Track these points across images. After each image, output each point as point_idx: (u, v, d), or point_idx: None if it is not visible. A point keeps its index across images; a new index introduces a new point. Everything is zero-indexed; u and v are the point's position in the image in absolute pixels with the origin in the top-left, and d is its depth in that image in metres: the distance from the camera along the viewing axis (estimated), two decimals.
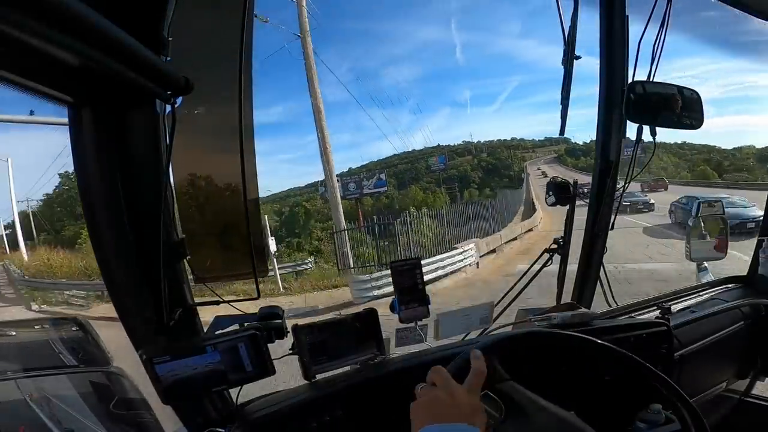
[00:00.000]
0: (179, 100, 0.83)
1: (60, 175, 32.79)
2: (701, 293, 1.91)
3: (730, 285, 1.99)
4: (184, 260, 0.99)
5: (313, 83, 13.79)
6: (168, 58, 0.87)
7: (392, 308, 1.30)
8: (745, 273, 2.02)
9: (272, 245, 12.26)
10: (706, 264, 2.04)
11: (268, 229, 12.85)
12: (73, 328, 1.77)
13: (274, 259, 12.58)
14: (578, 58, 1.43)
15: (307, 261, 14.67)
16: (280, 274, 12.63)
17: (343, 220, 14.54)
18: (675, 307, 1.68)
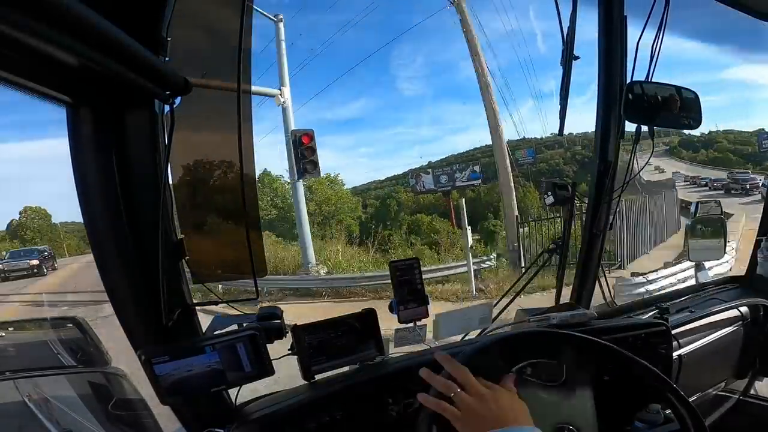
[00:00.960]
0: (178, 100, 0.83)
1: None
2: (699, 293, 1.92)
3: (728, 285, 2.00)
4: (183, 261, 0.99)
5: (478, 55, 12.38)
6: (167, 58, 0.86)
7: (391, 308, 1.30)
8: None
9: (469, 236, 10.20)
10: (704, 264, 2.04)
11: (465, 218, 10.02)
12: (72, 329, 1.77)
13: (469, 254, 10.14)
14: (577, 58, 1.43)
15: (490, 257, 11.86)
16: (453, 274, 10.55)
17: (516, 210, 12.69)
18: (673, 308, 1.68)
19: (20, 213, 28.41)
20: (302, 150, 9.75)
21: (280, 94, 11.47)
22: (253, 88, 0.97)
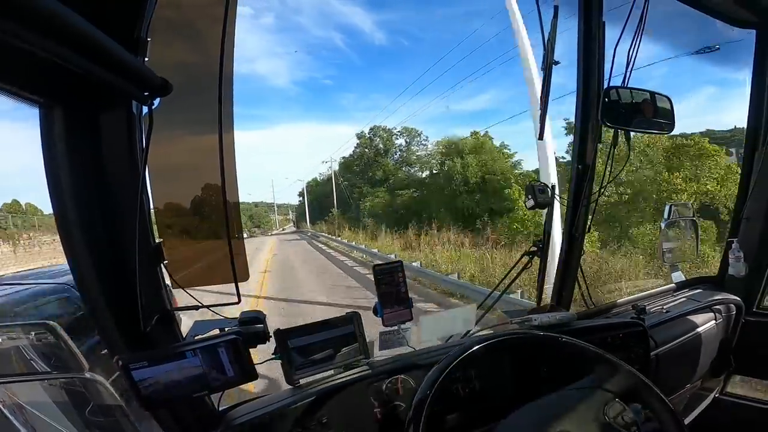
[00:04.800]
0: (157, 101, 0.82)
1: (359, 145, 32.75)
2: (674, 294, 1.97)
3: (701, 285, 2.06)
4: (162, 265, 0.97)
5: None
6: (146, 59, 0.85)
7: (375, 311, 1.30)
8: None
9: None
10: (678, 265, 2.10)
11: None
12: (45, 334, 1.72)
13: None
14: (557, 63, 1.46)
15: None
16: None
17: None
18: (650, 308, 1.72)
19: None
20: None
21: None
22: None
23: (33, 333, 1.77)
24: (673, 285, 2.03)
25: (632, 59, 1.40)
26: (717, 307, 1.83)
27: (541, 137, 1.57)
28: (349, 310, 1.25)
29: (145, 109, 0.83)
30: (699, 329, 1.74)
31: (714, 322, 1.80)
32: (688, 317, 1.74)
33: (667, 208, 1.97)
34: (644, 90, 1.43)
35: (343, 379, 1.19)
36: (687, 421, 1.80)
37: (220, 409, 1.11)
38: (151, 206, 0.94)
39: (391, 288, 1.30)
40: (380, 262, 1.32)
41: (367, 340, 1.27)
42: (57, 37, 0.55)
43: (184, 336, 1.04)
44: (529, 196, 1.56)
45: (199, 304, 1.00)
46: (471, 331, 1.47)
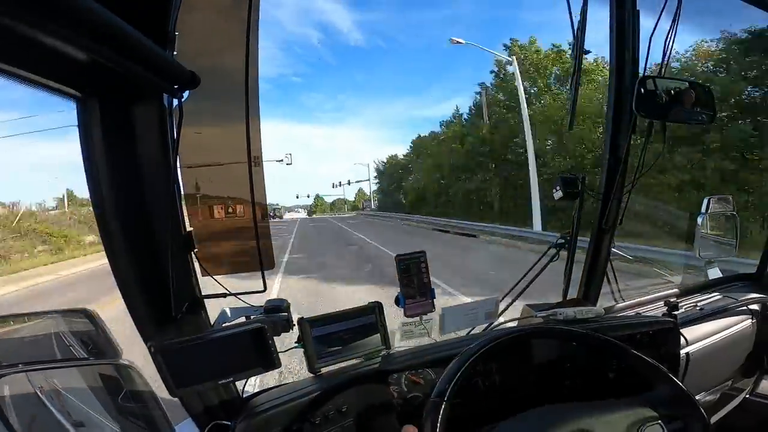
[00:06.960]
0: (186, 94, 0.84)
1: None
2: (709, 291, 1.89)
3: (738, 283, 1.97)
4: (192, 253, 1.00)
5: None
6: (174, 53, 0.87)
7: (397, 302, 1.30)
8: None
9: None
10: (714, 261, 2.01)
11: None
12: (83, 320, 1.78)
13: None
14: (588, 52, 1.42)
15: None
16: None
17: None
18: (682, 305, 1.67)
19: None
20: None
21: None
22: None
23: (71, 319, 1.83)
24: (709, 281, 1.96)
25: (669, 48, 1.34)
26: (754, 306, 1.75)
27: (570, 127, 1.53)
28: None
29: (175, 102, 0.85)
30: (733, 328, 1.67)
31: (750, 321, 1.73)
32: (723, 316, 1.67)
33: (705, 200, 1.89)
34: (683, 79, 1.37)
35: (364, 369, 1.20)
36: (714, 420, 1.74)
37: (244, 395, 1.14)
38: (182, 196, 0.97)
39: (414, 278, 1.30)
40: (403, 253, 1.32)
41: (389, 331, 1.28)
42: (93, 34, 0.57)
43: (212, 323, 1.06)
44: (558, 188, 1.53)
45: (227, 292, 1.03)
46: (494, 324, 1.46)
